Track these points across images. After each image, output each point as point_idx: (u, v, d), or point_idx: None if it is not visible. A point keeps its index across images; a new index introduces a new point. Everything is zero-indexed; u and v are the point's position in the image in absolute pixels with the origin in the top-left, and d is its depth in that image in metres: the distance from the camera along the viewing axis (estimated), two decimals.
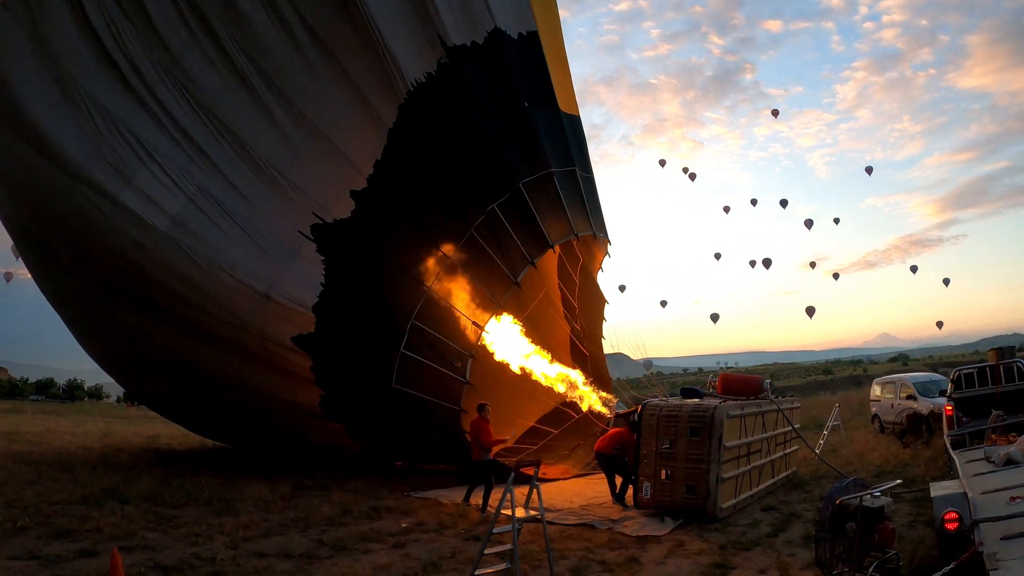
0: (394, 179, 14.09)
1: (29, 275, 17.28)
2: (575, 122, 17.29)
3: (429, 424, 14.67)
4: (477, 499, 13.41)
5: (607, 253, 18.17)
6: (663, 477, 12.71)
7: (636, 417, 13.49)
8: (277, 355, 14.01)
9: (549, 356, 17.52)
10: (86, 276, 14.50)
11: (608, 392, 18.37)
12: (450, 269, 14.40)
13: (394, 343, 14.13)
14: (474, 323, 14.52)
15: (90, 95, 12.99)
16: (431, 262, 14.37)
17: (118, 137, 13.10)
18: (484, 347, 15.54)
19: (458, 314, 14.48)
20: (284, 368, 14.20)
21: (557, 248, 15.94)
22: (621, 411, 15.30)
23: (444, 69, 14.21)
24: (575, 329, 19.09)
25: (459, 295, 14.53)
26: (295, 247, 13.80)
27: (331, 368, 14.20)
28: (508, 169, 14.79)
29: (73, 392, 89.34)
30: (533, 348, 17.35)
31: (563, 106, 16.58)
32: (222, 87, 13.46)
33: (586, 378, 17.68)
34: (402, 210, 14.23)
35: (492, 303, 14.63)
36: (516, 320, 16.98)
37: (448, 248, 14.38)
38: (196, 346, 14.36)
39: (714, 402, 13.09)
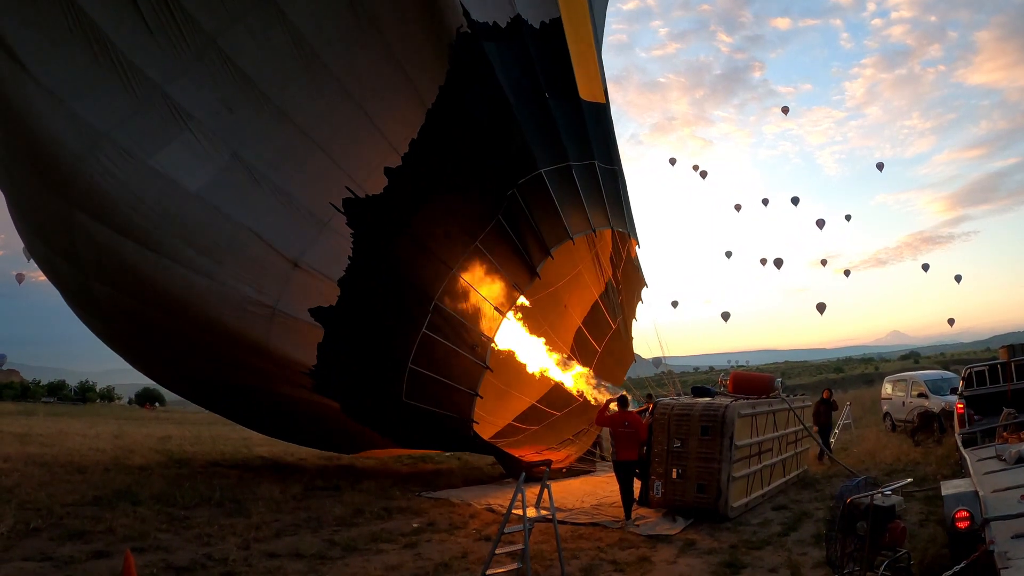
0: (428, 158, 13.97)
1: (42, 278, 16.86)
2: (599, 111, 17.06)
3: (441, 408, 14.57)
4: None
5: (637, 243, 18.12)
6: (674, 476, 12.71)
7: (648, 415, 13.47)
8: (283, 328, 13.81)
9: (557, 351, 17.53)
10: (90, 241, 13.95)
11: (622, 377, 18.41)
12: (476, 253, 14.34)
13: (416, 322, 14.07)
14: (496, 308, 14.47)
15: (128, 61, 12.72)
16: (458, 245, 14.30)
17: (155, 103, 12.86)
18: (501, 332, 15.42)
19: (480, 299, 14.43)
20: (284, 342, 14.01)
21: (576, 240, 15.71)
22: (637, 408, 15.26)
23: (464, 39, 13.95)
24: (604, 306, 18.98)
25: (482, 280, 14.47)
26: (326, 219, 13.68)
27: (343, 344, 14.10)
28: (531, 157, 14.73)
29: (85, 394, 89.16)
30: (542, 341, 17.38)
31: (586, 95, 16.37)
32: (265, 60, 13.23)
33: (591, 372, 17.63)
34: (433, 190, 14.15)
35: (514, 290, 14.59)
36: (524, 312, 16.96)
37: (475, 232, 14.32)
38: (201, 312, 13.95)
39: (726, 401, 13.07)
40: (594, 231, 15.92)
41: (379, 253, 13.96)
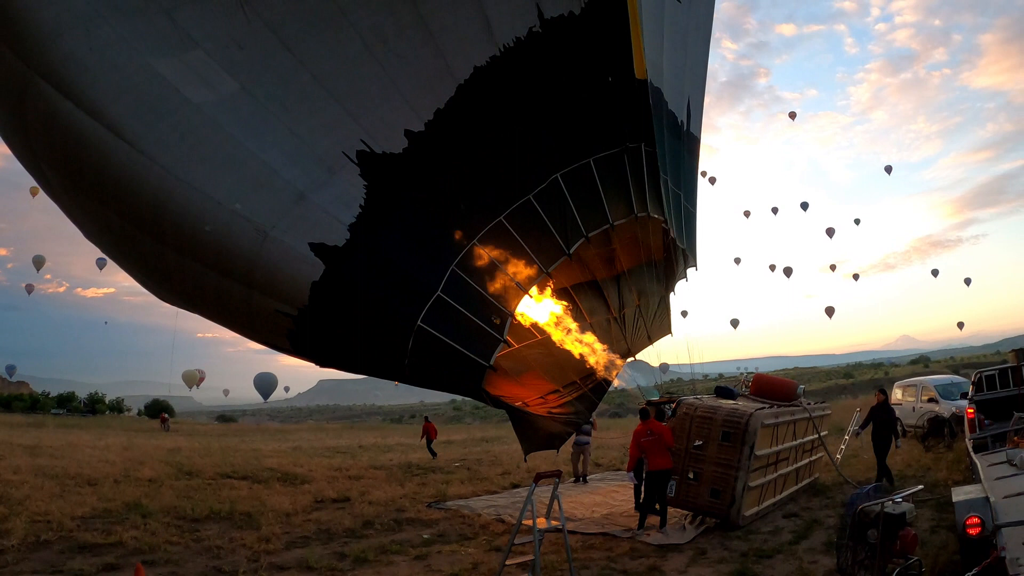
0: (453, 131, 13.62)
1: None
2: (644, 88, 16.84)
3: (449, 373, 14.28)
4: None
5: (670, 230, 17.78)
6: (690, 476, 12.63)
7: (670, 411, 13.35)
8: (275, 256, 12.61)
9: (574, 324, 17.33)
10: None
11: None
12: (500, 228, 14.04)
13: (431, 284, 13.67)
14: (517, 284, 14.22)
15: None
16: (480, 219, 13.96)
17: (161, 20, 11.93)
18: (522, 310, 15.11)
19: (502, 273, 14.17)
20: (273, 273, 12.82)
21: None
22: (656, 399, 15.06)
23: (533, 37, 13.70)
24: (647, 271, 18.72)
25: (505, 254, 14.19)
26: (337, 167, 12.87)
27: (348, 289, 13.13)
28: (579, 143, 14.37)
29: (94, 406, 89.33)
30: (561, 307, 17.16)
31: (639, 74, 16.12)
32: (287, 11, 12.79)
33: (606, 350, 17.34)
34: (458, 162, 13.75)
35: (539, 269, 14.39)
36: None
37: (501, 208, 14.01)
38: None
39: (750, 408, 12.95)
40: (636, 216, 15.65)
41: (395, 206, 13.25)
